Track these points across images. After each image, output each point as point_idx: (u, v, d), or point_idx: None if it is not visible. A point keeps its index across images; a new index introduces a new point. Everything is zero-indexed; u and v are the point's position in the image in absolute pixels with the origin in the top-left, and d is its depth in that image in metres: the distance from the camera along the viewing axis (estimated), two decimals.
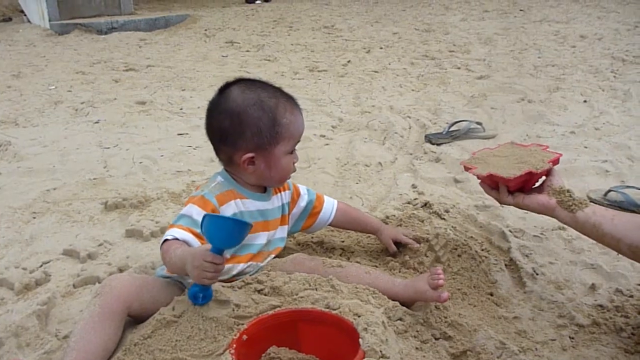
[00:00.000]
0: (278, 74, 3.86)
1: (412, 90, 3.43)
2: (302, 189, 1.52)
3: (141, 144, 2.62)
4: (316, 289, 1.20)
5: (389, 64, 4.12)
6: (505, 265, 1.58)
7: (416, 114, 2.94)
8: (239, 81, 1.31)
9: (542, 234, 1.74)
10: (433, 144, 2.52)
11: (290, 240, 1.66)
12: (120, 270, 1.54)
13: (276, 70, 4.00)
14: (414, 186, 2.11)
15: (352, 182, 2.17)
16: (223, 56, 4.56)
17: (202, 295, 1.13)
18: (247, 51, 4.77)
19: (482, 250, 1.62)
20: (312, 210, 1.53)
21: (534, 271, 1.53)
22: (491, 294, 1.42)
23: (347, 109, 3.07)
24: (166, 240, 1.20)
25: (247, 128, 1.25)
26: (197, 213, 1.22)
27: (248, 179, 1.31)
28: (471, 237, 1.71)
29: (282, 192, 1.43)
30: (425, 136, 2.59)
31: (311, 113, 2.96)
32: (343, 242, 1.64)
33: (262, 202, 1.35)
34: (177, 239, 1.19)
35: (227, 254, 1.19)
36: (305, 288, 1.20)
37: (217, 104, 1.29)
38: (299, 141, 1.33)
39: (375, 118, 2.87)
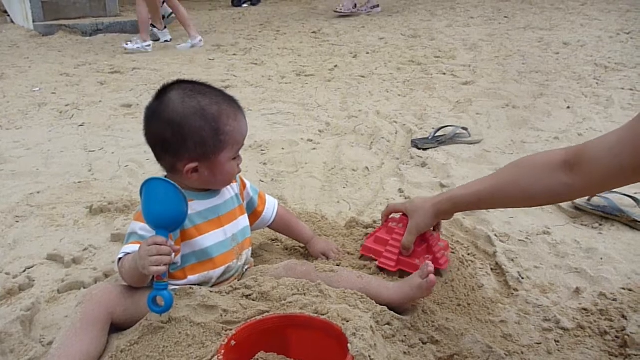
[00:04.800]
0: (265, 78, 3.86)
1: (399, 95, 3.45)
2: (247, 182, 1.49)
3: (127, 148, 2.59)
4: (304, 294, 1.20)
5: (376, 69, 4.14)
6: (491, 269, 1.59)
7: (402, 119, 2.95)
8: (178, 85, 1.26)
9: (527, 238, 1.76)
10: (419, 149, 2.54)
11: (278, 245, 1.66)
12: (106, 276, 1.53)
13: (263, 74, 3.99)
14: (400, 191, 2.13)
15: (339, 186, 2.17)
16: (210, 59, 4.54)
17: (163, 302, 1.11)
18: (234, 55, 4.75)
19: (469, 254, 1.63)
20: (256, 208, 1.51)
21: (520, 275, 1.55)
22: (477, 298, 1.43)
23: (334, 113, 3.07)
24: (120, 259, 1.21)
25: (190, 138, 1.21)
26: (140, 228, 1.21)
27: (192, 184, 1.29)
28: (457, 241, 1.72)
29: (231, 184, 1.40)
30: (412, 141, 2.61)
31: (298, 117, 2.96)
32: None
33: (210, 200, 1.32)
34: (128, 254, 1.19)
35: (172, 236, 1.19)
36: (294, 293, 1.20)
37: (156, 112, 1.24)
38: (243, 145, 1.30)
39: (362, 123, 2.88)
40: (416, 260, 1.43)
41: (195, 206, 1.28)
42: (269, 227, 1.58)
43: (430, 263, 1.27)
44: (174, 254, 1.14)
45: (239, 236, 1.37)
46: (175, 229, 1.20)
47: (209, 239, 1.29)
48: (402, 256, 1.45)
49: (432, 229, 1.49)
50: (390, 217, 1.55)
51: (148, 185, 1.16)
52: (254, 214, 1.51)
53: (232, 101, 1.29)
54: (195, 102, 1.22)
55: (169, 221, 1.15)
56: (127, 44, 4.76)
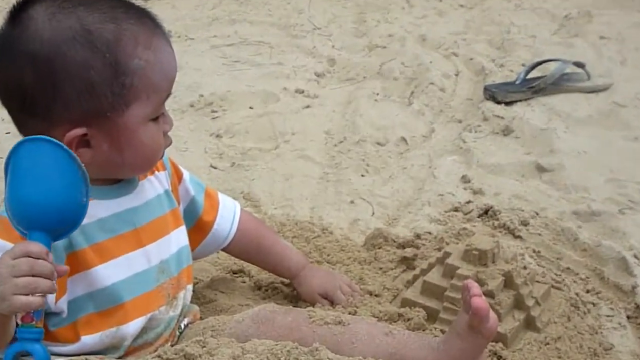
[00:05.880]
0: None
1: (460, 6, 3.46)
2: (184, 171, 1.51)
3: None
4: None
5: None
6: (628, 317, 1.60)
7: (468, 50, 2.96)
8: None
9: None
10: (499, 102, 2.54)
11: (243, 281, 1.67)
12: None
13: None
14: (465, 179, 2.13)
15: (353, 173, 2.18)
16: None
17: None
18: None
19: (588, 292, 1.64)
20: (201, 216, 1.53)
21: None
22: None
23: (344, 42, 3.08)
24: None
25: (68, 84, 1.21)
26: (1, 247, 1.19)
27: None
28: (567, 268, 1.73)
29: (155, 174, 1.42)
30: (485, 88, 2.61)
31: (279, 50, 2.96)
32: None
33: (118, 199, 1.33)
34: None
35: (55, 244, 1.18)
36: None
37: (8, 42, 1.23)
38: (169, 94, 1.30)
39: (395, 57, 2.88)
40: None
41: (94, 210, 1.27)
42: (224, 250, 1.60)
43: (472, 282, 1.28)
44: (57, 280, 1.14)
45: (171, 265, 1.38)
46: (64, 233, 1.16)
47: (119, 270, 1.30)
48: None
49: None
50: None
51: (20, 151, 1.13)
52: (198, 227, 1.53)
53: (142, 15, 1.28)
54: (74, 20, 1.21)
55: (54, 215, 1.12)
56: None
